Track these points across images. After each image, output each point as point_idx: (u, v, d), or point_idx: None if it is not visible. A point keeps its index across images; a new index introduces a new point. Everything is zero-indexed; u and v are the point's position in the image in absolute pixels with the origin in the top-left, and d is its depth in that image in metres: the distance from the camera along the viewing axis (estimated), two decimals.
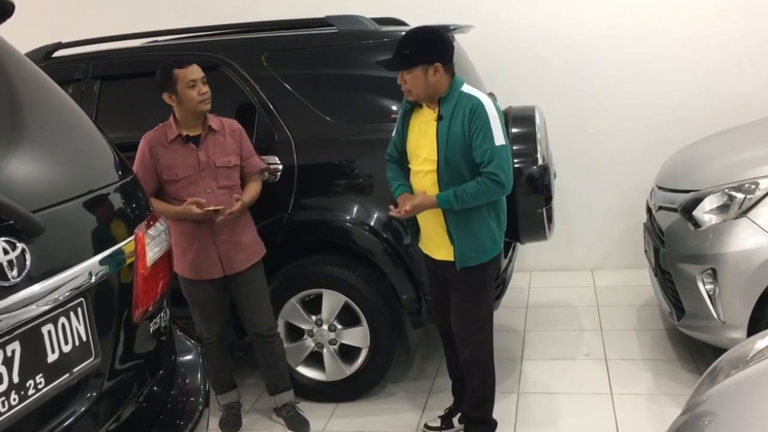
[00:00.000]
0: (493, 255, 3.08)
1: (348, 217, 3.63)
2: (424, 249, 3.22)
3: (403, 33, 3.05)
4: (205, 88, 3.24)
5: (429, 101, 2.99)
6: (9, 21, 2.06)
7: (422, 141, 3.01)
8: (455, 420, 3.45)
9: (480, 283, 3.13)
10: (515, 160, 3.63)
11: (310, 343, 3.80)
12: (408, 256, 3.56)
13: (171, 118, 3.31)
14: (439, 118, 2.94)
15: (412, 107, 3.07)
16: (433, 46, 2.91)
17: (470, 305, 3.14)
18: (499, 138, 2.88)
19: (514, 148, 3.65)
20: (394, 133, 3.17)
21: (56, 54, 4.12)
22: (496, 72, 4.88)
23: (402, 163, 3.15)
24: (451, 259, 3.04)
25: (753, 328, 3.26)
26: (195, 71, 3.23)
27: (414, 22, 4.07)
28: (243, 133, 3.43)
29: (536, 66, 5.34)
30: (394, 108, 3.64)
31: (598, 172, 5.48)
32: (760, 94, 5.06)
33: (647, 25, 5.19)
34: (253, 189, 3.42)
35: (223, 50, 3.81)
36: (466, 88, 2.97)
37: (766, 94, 5.05)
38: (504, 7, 5.32)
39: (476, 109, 2.88)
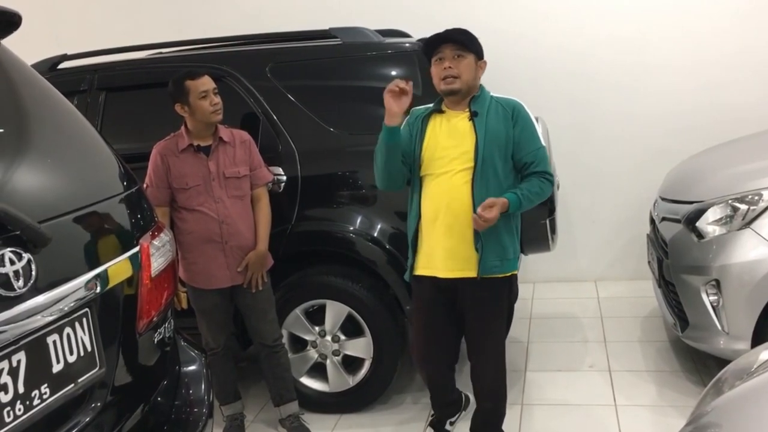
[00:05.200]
0: (512, 269, 2.94)
1: (351, 228, 3.64)
2: (427, 271, 2.97)
3: (418, 37, 3.08)
4: (217, 99, 3.28)
5: (462, 97, 2.90)
6: (15, 33, 2.08)
7: (450, 142, 2.88)
8: (447, 425, 3.37)
9: (500, 299, 2.96)
10: None
11: (313, 353, 3.79)
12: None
13: (182, 128, 3.34)
14: (474, 115, 2.87)
15: (429, 114, 2.97)
16: (480, 43, 2.94)
17: (490, 322, 2.96)
18: (543, 139, 2.91)
19: None
20: None
21: (62, 65, 4.15)
22: (498, 82, 4.83)
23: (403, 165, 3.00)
24: (468, 273, 2.86)
25: (757, 339, 3.25)
26: (206, 82, 3.27)
27: (418, 34, 4.10)
28: (252, 143, 3.46)
29: (538, 77, 5.36)
30: None
31: (601, 182, 5.48)
32: (764, 105, 5.06)
33: (649, 36, 5.20)
34: (264, 221, 3.43)
35: (227, 62, 3.83)
36: (495, 94, 2.98)
37: None
38: (506, 19, 5.34)
39: (518, 109, 2.89)
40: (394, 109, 2.79)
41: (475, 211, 2.77)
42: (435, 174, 2.91)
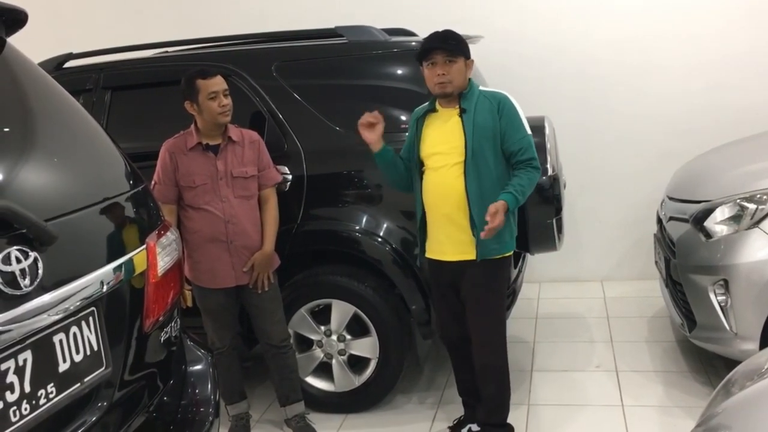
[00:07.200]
0: (509, 251, 3.15)
1: (357, 227, 3.63)
2: (435, 255, 3.20)
3: (424, 36, 3.15)
4: (226, 100, 3.27)
5: (453, 98, 3.06)
6: (21, 31, 2.08)
7: (442, 138, 3.07)
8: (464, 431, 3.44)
9: (497, 279, 3.17)
10: None
11: (319, 353, 3.79)
12: (418, 267, 3.55)
13: (192, 126, 3.34)
14: (463, 111, 3.03)
15: (424, 114, 3.15)
16: (466, 44, 3.08)
17: (488, 301, 3.16)
18: (528, 128, 3.07)
19: None
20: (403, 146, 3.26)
21: (67, 64, 4.15)
22: (505, 83, 4.84)
23: (405, 165, 3.22)
24: (469, 257, 3.06)
25: (766, 340, 3.24)
26: (218, 83, 3.27)
27: (424, 33, 4.08)
28: (261, 144, 3.45)
29: (545, 77, 5.35)
30: (403, 118, 3.64)
31: (608, 182, 5.47)
32: None
33: (654, 37, 5.19)
34: (271, 222, 3.43)
35: (233, 61, 3.82)
36: (483, 87, 3.13)
37: None
38: (513, 20, 5.34)
39: (504, 102, 3.05)
40: (370, 139, 3.13)
41: (468, 201, 3.01)
42: (433, 168, 3.10)
